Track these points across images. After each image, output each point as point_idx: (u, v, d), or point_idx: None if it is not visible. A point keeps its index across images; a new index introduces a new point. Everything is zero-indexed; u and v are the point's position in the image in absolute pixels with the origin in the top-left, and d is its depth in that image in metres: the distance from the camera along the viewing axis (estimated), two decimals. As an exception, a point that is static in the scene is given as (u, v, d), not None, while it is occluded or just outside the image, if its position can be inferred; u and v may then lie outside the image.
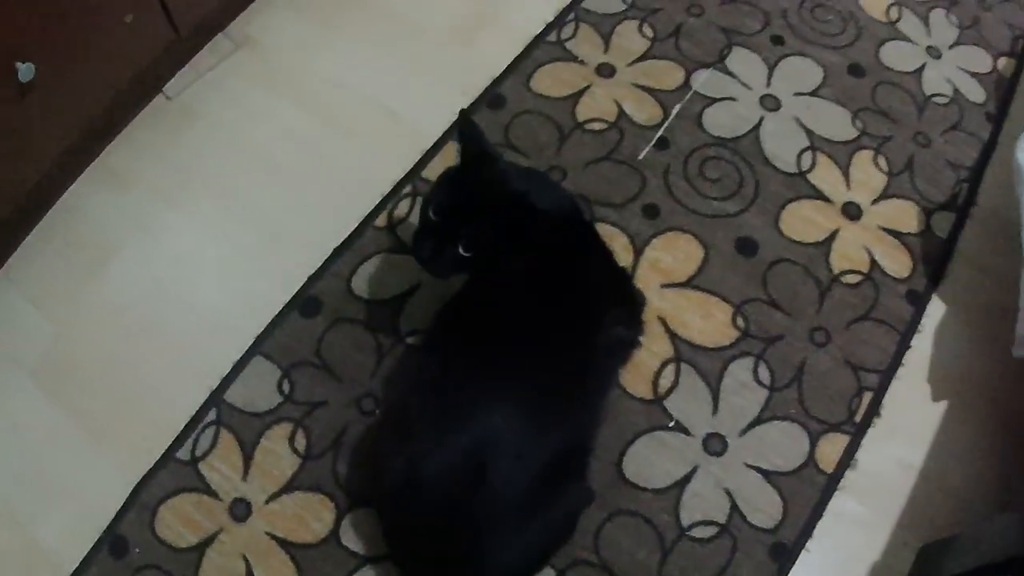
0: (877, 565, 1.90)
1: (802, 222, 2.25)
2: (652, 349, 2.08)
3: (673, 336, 2.10)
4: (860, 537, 1.93)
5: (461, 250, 1.74)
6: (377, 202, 2.29)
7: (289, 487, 1.97)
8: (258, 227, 2.28)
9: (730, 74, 2.48)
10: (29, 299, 2.21)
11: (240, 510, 1.95)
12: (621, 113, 2.41)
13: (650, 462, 1.98)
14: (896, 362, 2.09)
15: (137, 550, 1.92)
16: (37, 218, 2.30)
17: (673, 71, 2.48)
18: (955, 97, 2.46)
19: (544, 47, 2.52)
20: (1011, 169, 2.00)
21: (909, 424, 2.03)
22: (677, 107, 2.41)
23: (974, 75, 2.51)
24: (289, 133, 2.41)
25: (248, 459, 2.00)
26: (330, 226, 2.25)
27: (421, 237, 1.80)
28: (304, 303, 2.16)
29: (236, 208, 2.31)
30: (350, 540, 1.91)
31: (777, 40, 2.53)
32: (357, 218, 2.27)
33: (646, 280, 2.16)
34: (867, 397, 2.05)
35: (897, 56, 2.53)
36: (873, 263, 2.20)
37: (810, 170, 2.32)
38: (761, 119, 2.40)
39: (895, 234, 2.24)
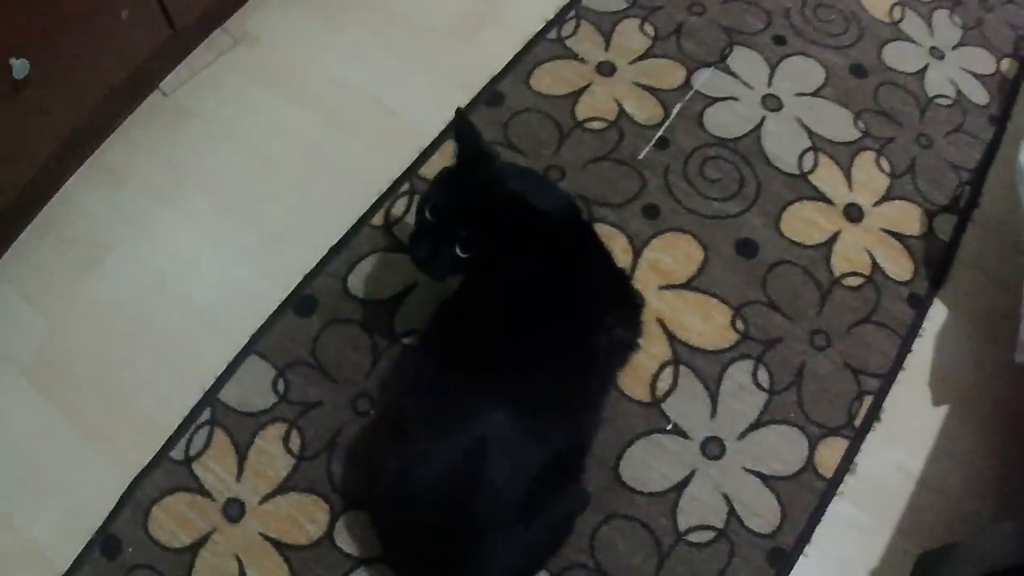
0: (876, 572, 1.88)
1: (803, 224, 2.23)
2: (650, 351, 2.07)
3: (672, 338, 2.09)
4: (859, 543, 1.91)
5: (458, 251, 1.72)
6: (374, 200, 2.27)
7: (283, 488, 1.95)
8: (254, 225, 2.26)
9: (731, 74, 2.46)
10: (23, 296, 2.19)
11: (234, 510, 1.94)
12: (621, 112, 2.39)
13: (647, 465, 1.96)
14: (897, 366, 2.07)
15: (130, 550, 1.90)
16: (32, 215, 2.28)
17: (674, 70, 2.47)
18: (958, 99, 2.44)
19: (544, 45, 2.51)
20: (1014, 171, 1.99)
21: (909, 429, 2.01)
22: (678, 106, 2.39)
23: (977, 76, 2.49)
24: (286, 130, 2.39)
25: (242, 459, 1.98)
26: (326, 224, 2.23)
27: (417, 238, 1.78)
28: (299, 302, 2.14)
29: (232, 206, 2.29)
30: (344, 542, 1.90)
31: (779, 40, 2.51)
32: (354, 216, 2.25)
33: (645, 281, 2.15)
34: (867, 401, 2.03)
35: (900, 57, 2.51)
36: (874, 266, 2.18)
37: (811, 171, 2.30)
38: (762, 119, 2.38)
39: (897, 236, 2.22)
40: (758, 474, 1.95)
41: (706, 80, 2.45)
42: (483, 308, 1.80)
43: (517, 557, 1.69)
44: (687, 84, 2.44)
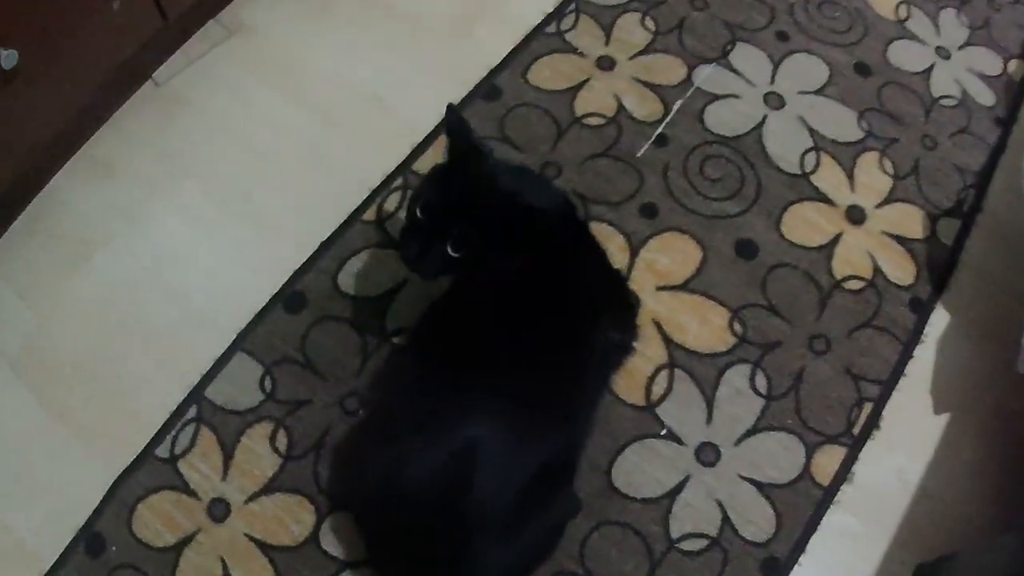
0: (871, 583, 1.85)
1: (804, 225, 2.19)
2: (646, 354, 2.03)
3: (668, 341, 2.05)
4: (855, 553, 1.89)
5: (449, 250, 1.69)
6: (366, 195, 2.24)
7: (269, 488, 1.93)
8: (245, 219, 2.23)
9: (733, 70, 2.42)
10: (12, 290, 2.17)
11: (219, 510, 1.91)
12: (620, 108, 2.35)
13: (640, 471, 1.93)
14: (897, 372, 2.04)
15: (114, 548, 1.89)
16: (21, 207, 2.25)
17: (675, 66, 2.43)
18: (963, 99, 2.40)
19: (543, 38, 2.47)
20: (1019, 175, 1.95)
21: (909, 437, 1.98)
22: (678, 103, 2.36)
23: (983, 77, 2.46)
24: (279, 123, 2.36)
25: (228, 458, 1.96)
26: (318, 219, 2.20)
27: (408, 236, 1.74)
28: (289, 298, 2.11)
29: (224, 199, 2.26)
30: (330, 544, 1.87)
31: (782, 36, 2.47)
32: (346, 211, 2.22)
33: (642, 282, 2.11)
34: (867, 408, 2.00)
35: (905, 56, 2.47)
36: (876, 269, 2.15)
37: (813, 171, 2.27)
38: (764, 117, 2.35)
39: (899, 239, 2.19)
40: (753, 481, 1.92)
41: (707, 76, 2.41)
42: (474, 308, 1.78)
43: (506, 563, 1.66)
44: (688, 80, 2.40)
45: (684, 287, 2.12)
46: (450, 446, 1.59)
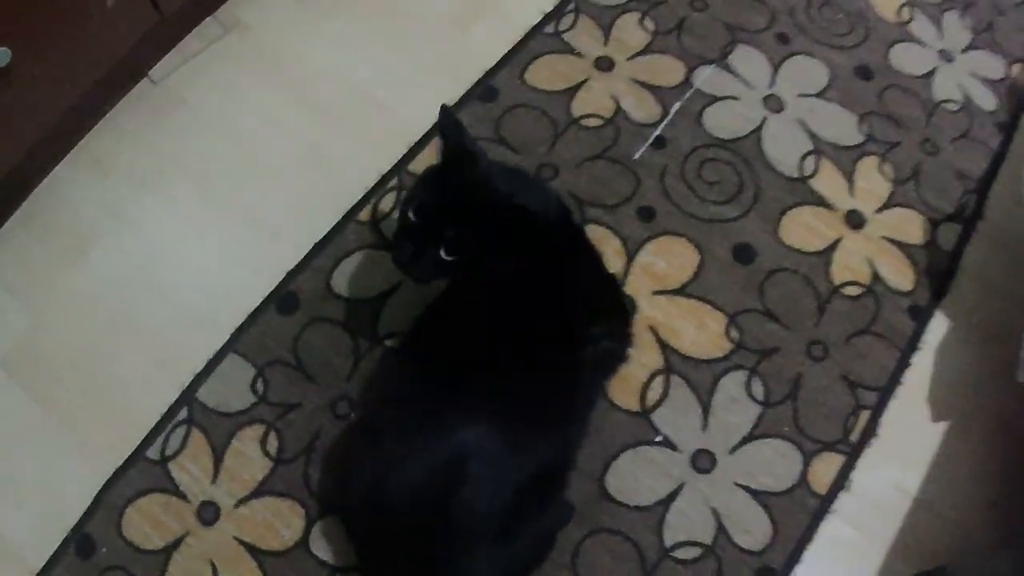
0: (868, 592, 1.83)
1: (803, 230, 2.17)
2: (641, 359, 2.02)
3: (664, 346, 2.04)
4: (851, 563, 1.87)
5: (442, 254, 1.66)
6: (361, 196, 2.22)
7: (259, 491, 1.91)
8: (240, 218, 2.21)
9: (733, 72, 2.40)
10: (5, 287, 2.15)
11: (208, 513, 1.90)
12: (618, 109, 2.33)
13: (634, 478, 1.91)
14: (895, 380, 2.03)
15: (104, 550, 1.87)
16: (16, 204, 2.23)
17: (674, 67, 2.40)
18: (966, 104, 2.38)
19: (541, 38, 2.44)
20: (1020, 181, 1.93)
21: (906, 446, 1.97)
22: (677, 105, 2.34)
23: (986, 82, 2.43)
24: (274, 121, 2.34)
25: (218, 461, 1.94)
26: (313, 219, 2.18)
27: (400, 239, 1.72)
28: (282, 299, 2.09)
29: (218, 198, 2.24)
30: (320, 549, 1.86)
31: (783, 38, 2.45)
32: (340, 211, 2.20)
33: (637, 286, 2.10)
34: (864, 416, 1.98)
35: (907, 59, 2.45)
36: (875, 275, 2.13)
37: (812, 175, 2.25)
38: (763, 120, 2.33)
39: (899, 245, 2.17)
40: (749, 490, 1.91)
41: (706, 78, 2.38)
42: (467, 313, 1.76)
43: (496, 572, 1.64)
44: (687, 82, 2.38)
45: (681, 291, 2.10)
46: (439, 453, 1.57)
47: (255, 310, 2.09)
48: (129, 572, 1.86)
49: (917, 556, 1.86)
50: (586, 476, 1.90)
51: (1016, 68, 2.46)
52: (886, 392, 2.01)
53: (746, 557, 1.85)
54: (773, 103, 2.35)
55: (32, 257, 2.19)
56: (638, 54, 2.42)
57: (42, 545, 1.88)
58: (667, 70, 2.40)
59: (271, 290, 2.11)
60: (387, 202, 2.21)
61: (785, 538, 1.87)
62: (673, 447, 1.94)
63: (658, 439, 1.95)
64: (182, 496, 1.92)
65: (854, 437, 1.96)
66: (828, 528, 1.89)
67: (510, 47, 2.43)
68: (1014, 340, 1.90)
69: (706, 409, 1.98)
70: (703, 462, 1.93)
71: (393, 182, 2.23)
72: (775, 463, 1.93)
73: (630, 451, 1.94)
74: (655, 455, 1.94)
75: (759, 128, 2.31)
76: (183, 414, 1.98)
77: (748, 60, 2.42)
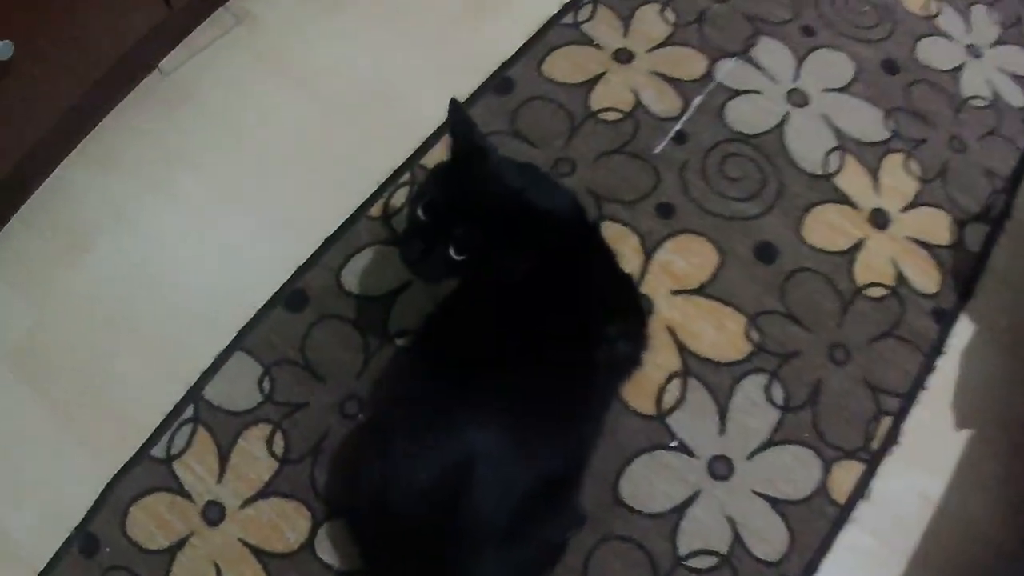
0: (888, 605, 1.80)
1: (826, 228, 2.13)
2: (658, 361, 1.97)
3: (681, 347, 1.99)
4: (870, 573, 1.84)
5: (452, 253, 1.62)
6: (373, 190, 2.19)
7: (265, 492, 1.89)
8: (247, 213, 2.19)
9: (756, 65, 2.35)
10: (9, 283, 2.14)
11: (213, 514, 1.88)
12: (638, 103, 2.29)
13: (649, 483, 1.87)
14: (918, 385, 1.98)
15: (107, 549, 1.87)
16: (21, 200, 2.22)
17: (695, 60, 2.35)
18: (994, 100, 2.32)
19: (558, 29, 2.39)
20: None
21: (929, 453, 1.92)
22: (698, 99, 2.29)
23: (1015, 77, 2.37)
24: (284, 114, 2.31)
25: (224, 460, 1.92)
26: (322, 214, 2.15)
27: (409, 237, 1.69)
28: (290, 296, 2.07)
29: (227, 193, 2.22)
30: (325, 552, 1.84)
31: (807, 31, 2.40)
32: (351, 207, 2.17)
33: (655, 285, 2.05)
34: (886, 422, 1.93)
35: (934, 53, 2.39)
36: (899, 276, 2.08)
37: (837, 172, 2.19)
38: (787, 115, 2.27)
39: (924, 245, 2.12)
40: (767, 497, 1.86)
41: (729, 71, 2.33)
42: (477, 313, 1.73)
43: (504, 576, 1.61)
44: (708, 75, 2.33)
45: (700, 291, 2.05)
46: (448, 454, 1.55)
47: (263, 307, 2.06)
48: (133, 572, 1.84)
49: (939, 566, 1.82)
50: (599, 481, 1.86)
51: (1046, 63, 2.39)
52: (909, 397, 1.96)
53: (763, 567, 1.81)
54: (797, 97, 2.30)
55: (36, 254, 2.17)
56: (658, 46, 2.37)
57: (45, 544, 1.87)
58: (688, 63, 2.35)
59: (279, 287, 2.08)
60: (399, 197, 2.17)
61: (803, 548, 1.82)
62: (689, 452, 1.90)
63: (674, 444, 1.91)
64: (187, 496, 1.90)
65: (875, 444, 1.91)
66: (847, 538, 1.84)
67: (527, 38, 2.38)
68: (1042, 344, 1.83)
69: (724, 413, 1.93)
70: (720, 468, 1.89)
71: (405, 177, 2.20)
72: (794, 470, 1.89)
73: (645, 456, 1.90)
74: (670, 460, 1.90)
75: (782, 123, 2.26)
76: (189, 412, 1.96)
77: (772, 53, 2.36)
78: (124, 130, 2.30)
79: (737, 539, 1.83)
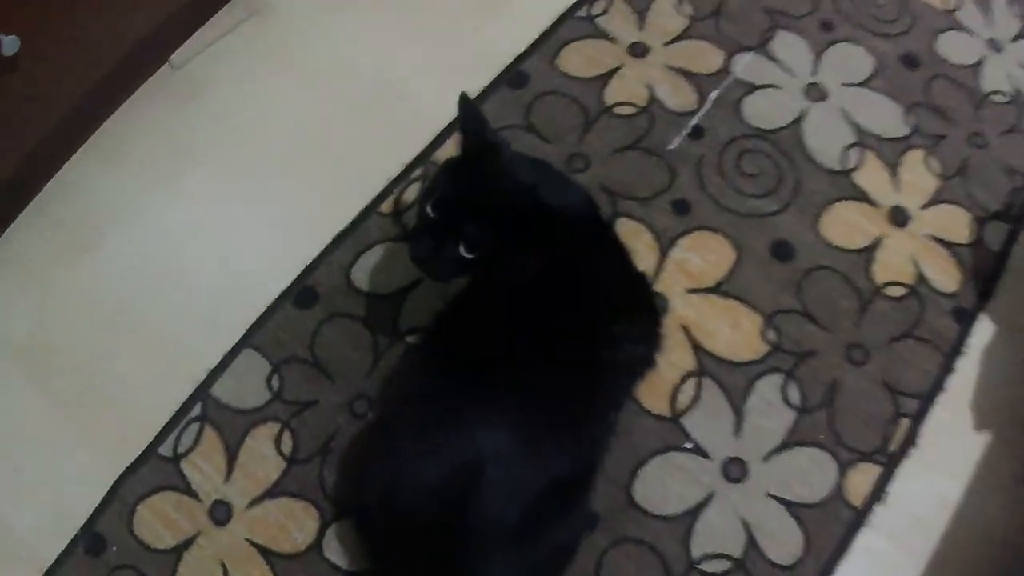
0: (904, 611, 1.77)
1: (844, 226, 2.09)
2: (672, 360, 1.95)
3: (696, 347, 1.97)
4: (887, 579, 1.80)
5: (462, 251, 1.60)
6: (384, 186, 2.17)
7: (272, 492, 1.88)
8: (258, 210, 2.18)
9: (773, 59, 2.32)
10: (18, 279, 2.14)
11: (220, 513, 1.87)
12: (653, 97, 2.26)
13: (663, 485, 1.85)
14: (937, 386, 1.95)
15: (114, 548, 1.87)
16: (30, 195, 2.21)
17: (712, 54, 2.32)
18: (1015, 96, 2.28)
19: (573, 23, 2.37)
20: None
21: (948, 456, 1.89)
22: (714, 93, 2.26)
23: (1037, 72, 2.33)
24: (295, 109, 2.30)
25: (232, 459, 1.91)
26: (333, 210, 2.14)
27: (418, 235, 1.66)
28: (300, 293, 2.05)
29: (236, 189, 2.21)
30: (333, 553, 1.83)
31: (826, 25, 2.36)
32: (362, 203, 2.15)
33: (670, 283, 2.03)
34: (904, 424, 1.90)
35: (955, 48, 2.35)
36: (919, 275, 2.05)
37: (855, 169, 2.16)
38: (805, 110, 2.24)
39: (944, 244, 2.09)
40: (782, 500, 1.84)
41: (746, 66, 2.30)
42: (487, 313, 1.71)
43: (513, 580, 1.59)
44: (725, 69, 2.30)
45: (715, 290, 2.03)
46: (457, 455, 1.53)
47: (272, 304, 2.04)
48: (139, 571, 1.84)
49: (957, 570, 1.80)
50: (612, 482, 1.84)
51: (1069, 58, 2.36)
52: (928, 399, 1.93)
53: (777, 571, 1.78)
54: (815, 92, 2.27)
55: (43, 250, 2.17)
56: (674, 40, 2.35)
57: (51, 543, 1.87)
58: (704, 57, 2.32)
59: (289, 284, 2.06)
60: (411, 193, 2.15)
61: (818, 551, 1.80)
62: (704, 454, 1.88)
63: (688, 445, 1.88)
64: (194, 495, 1.89)
65: (893, 446, 1.88)
66: (864, 542, 1.81)
67: (541, 32, 2.36)
68: (1063, 344, 1.80)
69: (739, 414, 1.91)
70: (734, 470, 1.86)
71: (417, 172, 2.18)
72: (810, 472, 1.86)
73: (659, 457, 1.87)
74: (684, 462, 1.87)
75: (800, 118, 2.23)
76: (197, 410, 1.95)
77: (789, 47, 2.33)
78: (137, 123, 2.29)
79: (751, 542, 1.81)
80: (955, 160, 2.18)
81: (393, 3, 2.45)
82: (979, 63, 2.33)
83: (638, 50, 2.33)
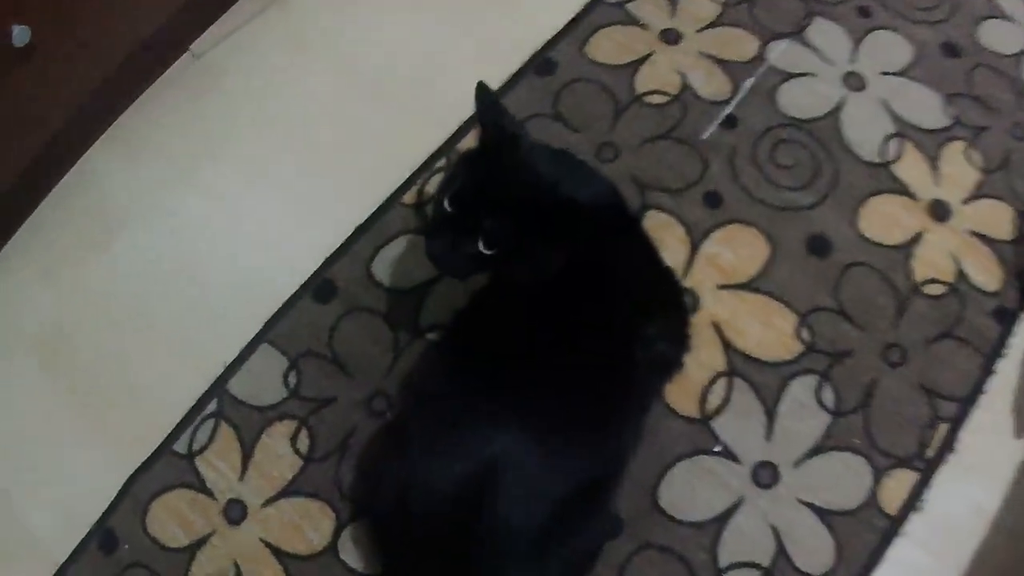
0: (939, 624, 1.72)
1: (883, 220, 2.03)
2: (702, 360, 1.89)
3: (727, 346, 1.91)
4: (921, 590, 1.75)
5: (481, 247, 1.54)
6: (407, 177, 2.14)
7: (288, 491, 1.86)
8: (277, 201, 2.16)
9: (810, 47, 2.25)
10: (36, 272, 2.15)
11: (235, 512, 1.86)
12: (685, 85, 2.20)
13: (690, 490, 1.80)
14: (977, 389, 1.88)
15: (127, 546, 1.87)
16: (48, 188, 2.22)
17: (746, 41, 2.26)
18: (1060, 87, 2.21)
19: (603, 8, 2.32)
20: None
21: (987, 462, 1.82)
22: (749, 81, 2.20)
23: (1081, 61, 2.26)
24: (316, 98, 2.28)
25: (247, 457, 1.89)
26: (353, 201, 2.11)
27: (435, 230, 1.61)
28: (319, 287, 2.02)
29: (256, 179, 2.19)
30: (348, 554, 1.81)
31: (864, 11, 2.30)
32: (383, 194, 2.12)
33: (701, 279, 1.97)
34: (942, 429, 1.84)
35: (997, 36, 2.27)
36: (959, 272, 1.98)
37: (895, 161, 2.10)
38: (843, 99, 2.18)
39: (985, 240, 2.02)
40: (814, 507, 1.78)
41: (781, 53, 2.24)
42: (509, 309, 1.66)
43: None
44: (760, 57, 2.24)
45: (748, 286, 1.97)
46: (474, 457, 1.49)
47: (290, 298, 2.02)
48: (152, 569, 1.84)
49: (994, 584, 1.73)
50: (637, 487, 1.79)
51: (1115, 48, 2.29)
52: (967, 403, 1.87)
53: (807, 582, 1.73)
54: (853, 81, 2.20)
55: (60, 243, 2.17)
56: (707, 26, 2.29)
57: (65, 539, 1.87)
58: (739, 44, 2.26)
59: (307, 277, 2.04)
60: (434, 183, 2.12)
61: (849, 561, 1.74)
62: (734, 458, 1.82)
63: (717, 449, 1.83)
64: (208, 493, 1.88)
65: (930, 452, 1.82)
66: (898, 552, 1.75)
67: (570, 17, 2.31)
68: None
69: (771, 416, 1.85)
70: (765, 476, 1.81)
71: (440, 163, 2.14)
72: (843, 479, 1.80)
73: (686, 461, 1.82)
74: (713, 466, 1.82)
75: (838, 108, 2.17)
76: (212, 406, 1.93)
77: (826, 34, 2.27)
78: (157, 112, 2.29)
79: (781, 550, 1.75)
80: (998, 153, 2.11)
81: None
82: (1022, 52, 2.26)
83: (670, 36, 2.27)
